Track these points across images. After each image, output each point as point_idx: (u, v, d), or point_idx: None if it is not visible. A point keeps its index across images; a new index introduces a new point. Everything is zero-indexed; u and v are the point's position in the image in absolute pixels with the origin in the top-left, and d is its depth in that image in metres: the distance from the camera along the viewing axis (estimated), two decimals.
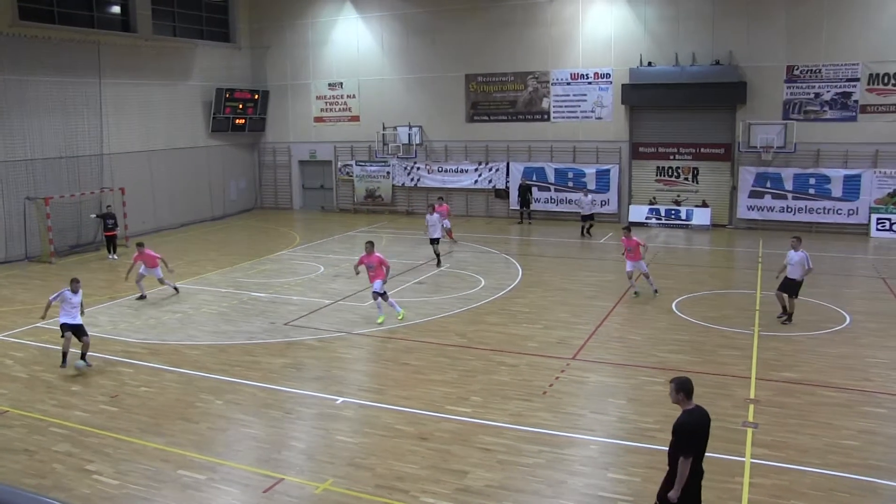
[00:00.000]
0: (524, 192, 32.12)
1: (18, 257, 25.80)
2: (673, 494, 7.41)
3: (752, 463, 10.08)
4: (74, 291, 14.77)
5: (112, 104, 29.39)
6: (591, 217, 29.08)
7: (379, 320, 17.18)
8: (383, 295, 17.27)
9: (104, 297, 20.39)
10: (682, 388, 7.55)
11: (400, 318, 17.26)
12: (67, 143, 27.49)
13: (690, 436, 7.37)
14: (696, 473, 7.52)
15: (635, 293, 19.30)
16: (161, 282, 20.22)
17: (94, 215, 26.93)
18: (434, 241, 23.61)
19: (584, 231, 28.80)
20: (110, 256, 26.15)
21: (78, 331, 14.61)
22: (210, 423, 11.81)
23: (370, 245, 17.58)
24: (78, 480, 9.98)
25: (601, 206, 31.34)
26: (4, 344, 16.30)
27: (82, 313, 14.95)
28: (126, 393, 13.20)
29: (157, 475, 10.08)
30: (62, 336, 14.57)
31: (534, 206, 32.39)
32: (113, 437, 11.30)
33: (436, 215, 23.89)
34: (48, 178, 26.65)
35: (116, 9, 30.85)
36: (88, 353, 14.55)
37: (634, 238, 19.69)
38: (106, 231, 26.38)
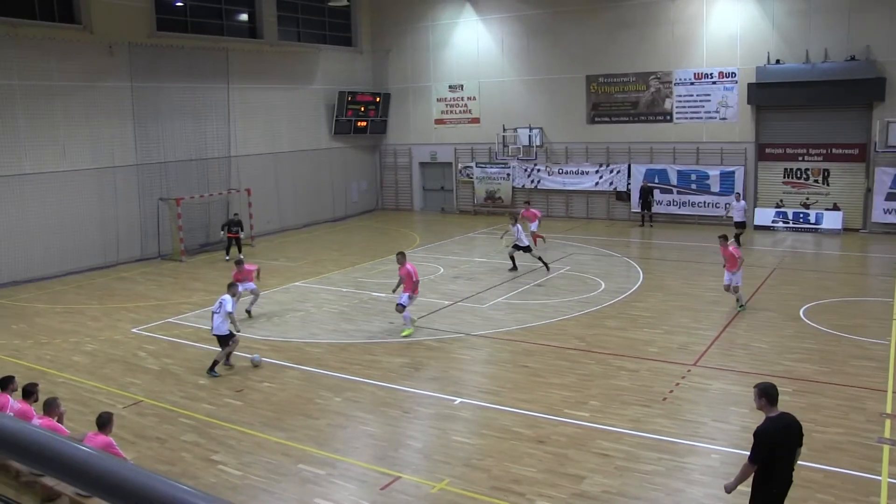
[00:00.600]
0: (645, 194, 31.52)
1: (152, 255, 27.14)
2: (728, 484, 7.64)
3: (890, 483, 9.51)
4: (233, 295, 14.95)
5: (239, 108, 30.53)
6: (743, 224, 26.44)
7: (403, 333, 16.66)
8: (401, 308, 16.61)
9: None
10: (765, 393, 7.50)
11: (404, 334, 16.58)
12: (197, 146, 28.75)
13: (767, 444, 7.28)
14: (782, 482, 7.39)
15: (741, 307, 18.17)
16: (252, 292, 18.89)
17: (223, 232, 26.87)
18: (525, 250, 22.51)
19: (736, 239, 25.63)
20: (227, 258, 26.01)
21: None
22: (329, 420, 12.08)
23: (401, 256, 17.07)
24: (204, 469, 10.40)
25: (726, 208, 30.36)
26: (139, 337, 17.17)
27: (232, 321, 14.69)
28: (249, 388, 13.67)
29: (277, 468, 10.38)
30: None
31: (656, 209, 31.73)
32: (237, 430, 11.72)
33: (518, 226, 22.63)
34: (179, 179, 27.94)
35: (244, 16, 32.04)
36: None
37: (731, 248, 18.41)
38: (230, 233, 26.65)
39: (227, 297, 14.76)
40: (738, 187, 30.24)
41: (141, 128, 26.79)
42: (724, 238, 18.79)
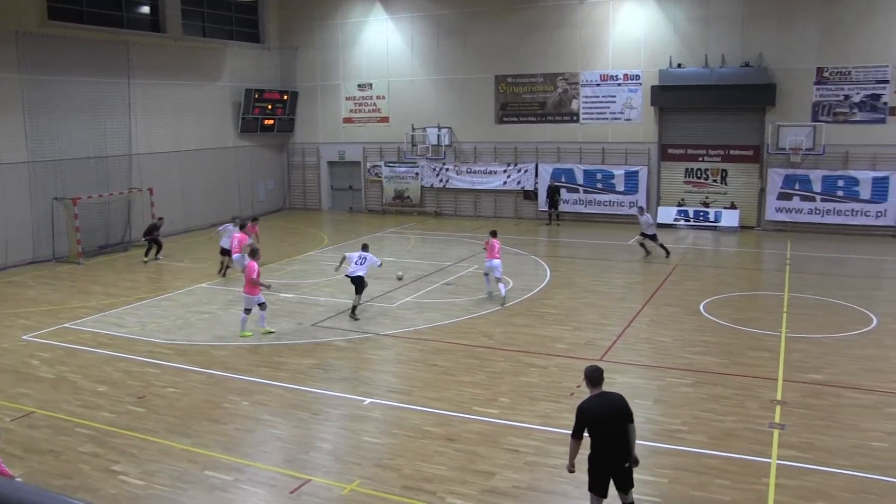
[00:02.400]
0: (553, 193, 32.06)
1: (46, 258, 25.99)
2: (567, 465, 8.29)
3: (778, 464, 10.01)
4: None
5: (141, 104, 29.67)
6: (654, 237, 24.87)
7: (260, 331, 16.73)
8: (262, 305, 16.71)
9: (131, 297, 20.58)
10: (586, 375, 8.28)
11: (245, 335, 16.61)
12: (96, 143, 27.72)
13: (583, 419, 7.97)
14: (599, 456, 7.97)
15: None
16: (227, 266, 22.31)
17: (145, 237, 26.41)
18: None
19: (647, 249, 25.03)
20: (146, 258, 25.69)
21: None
22: (237, 424, 11.90)
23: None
24: (104, 481, 10.07)
25: (630, 207, 31.19)
26: (31, 345, 16.43)
27: None
28: (153, 394, 13.32)
29: (183, 476, 10.16)
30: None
31: (563, 208, 32.31)
32: (139, 438, 11.39)
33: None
34: (76, 178, 26.86)
35: (146, 9, 31.14)
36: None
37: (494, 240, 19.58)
38: (151, 236, 25.97)
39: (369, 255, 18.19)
40: (642, 193, 31.09)
41: (32, 123, 25.56)
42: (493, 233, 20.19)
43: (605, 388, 12.88)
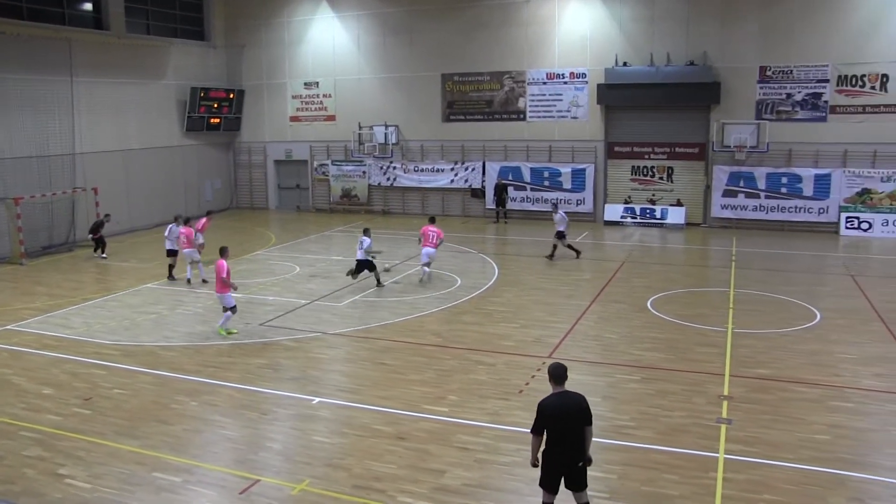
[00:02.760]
0: (500, 191, 32.21)
1: None
2: (531, 460, 8.26)
3: (725, 458, 10.19)
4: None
5: (84, 103, 29.11)
6: (563, 234, 24.61)
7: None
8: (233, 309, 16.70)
9: (77, 298, 20.19)
10: (549, 372, 8.20)
11: (231, 333, 16.61)
12: (38, 142, 27.12)
13: (542, 415, 7.96)
14: (554, 454, 8.00)
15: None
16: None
17: (91, 236, 26.27)
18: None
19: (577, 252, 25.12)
20: (96, 254, 25.99)
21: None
22: (185, 425, 11.75)
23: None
24: (49, 485, 9.87)
25: (577, 205, 31.54)
26: None
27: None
28: (100, 395, 13.09)
29: (131, 478, 10.00)
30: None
31: (510, 206, 32.48)
32: (86, 441, 11.19)
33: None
34: (18, 178, 26.25)
35: (88, 6, 30.53)
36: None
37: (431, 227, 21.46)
38: (96, 234, 25.96)
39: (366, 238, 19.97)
40: (589, 191, 31.41)
41: None
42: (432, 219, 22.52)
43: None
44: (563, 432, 7.91)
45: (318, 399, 12.67)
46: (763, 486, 9.45)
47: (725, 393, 12.58)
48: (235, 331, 16.69)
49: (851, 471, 9.87)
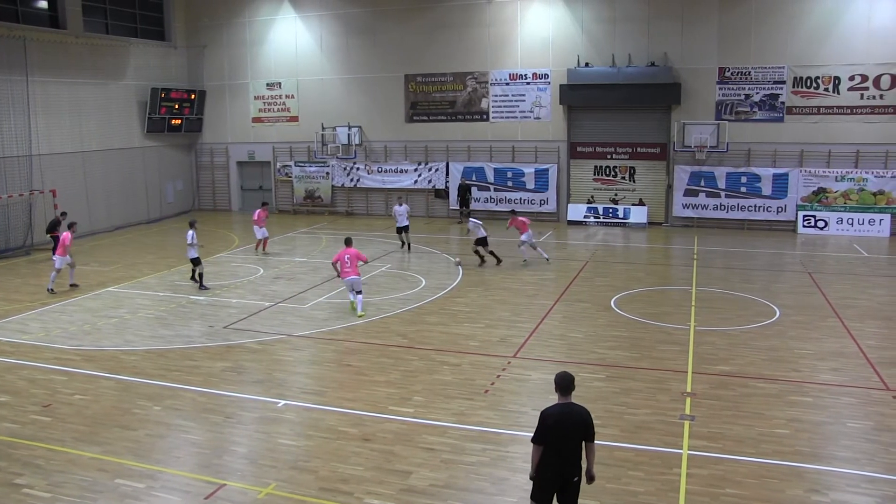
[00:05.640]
0: (463, 191, 32.27)
1: None
2: (531, 472, 7.86)
3: (689, 454, 10.31)
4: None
5: (41, 103, 28.64)
6: (406, 229, 26.18)
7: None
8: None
9: (35, 302, 19.88)
10: (555, 381, 7.88)
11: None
12: None
13: (543, 425, 7.63)
14: (549, 466, 7.66)
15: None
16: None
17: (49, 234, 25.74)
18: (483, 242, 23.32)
19: (405, 244, 26.27)
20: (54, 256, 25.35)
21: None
22: (148, 430, 11.60)
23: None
24: (6, 496, 9.66)
25: (540, 204, 31.73)
26: None
27: None
28: (59, 402, 12.87)
29: (92, 485, 9.85)
30: None
31: (474, 206, 32.55)
32: (45, 448, 10.99)
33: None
34: None
35: (43, 3, 30.01)
36: None
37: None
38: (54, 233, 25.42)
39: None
40: (552, 191, 31.63)
41: None
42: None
43: (519, 383, 13.19)
44: (562, 445, 7.62)
45: (283, 402, 12.60)
46: (726, 480, 9.58)
47: (688, 390, 12.73)
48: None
49: (809, 463, 10.09)
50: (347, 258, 17.84)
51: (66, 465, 10.45)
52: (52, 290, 20.89)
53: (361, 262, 18.32)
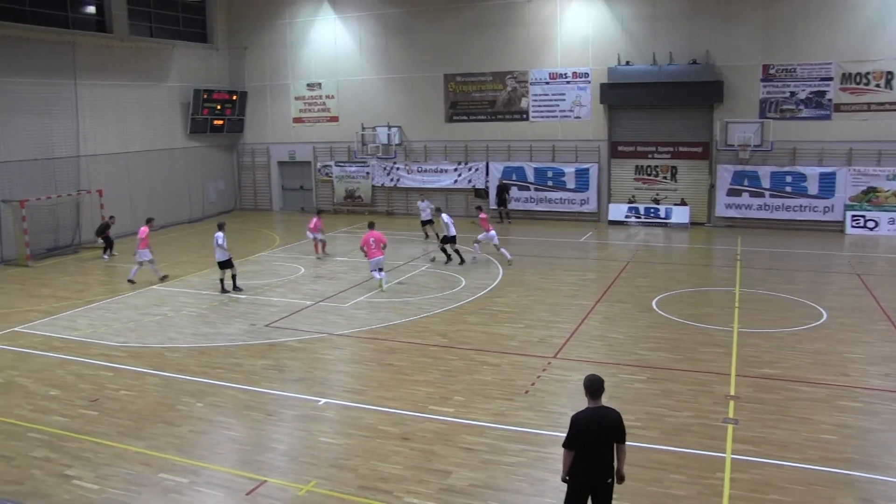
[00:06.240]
0: (501, 191, 32.20)
1: None
2: (562, 475, 7.84)
3: (732, 458, 10.16)
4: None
5: (88, 105, 29.18)
6: (429, 222, 28.35)
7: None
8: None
9: (82, 300, 20.23)
10: (584, 385, 7.80)
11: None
12: (43, 145, 27.24)
13: (575, 429, 7.63)
14: (582, 470, 7.64)
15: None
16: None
17: (98, 236, 26.84)
18: (452, 240, 23.81)
19: (427, 236, 28.38)
20: (104, 256, 26.33)
21: None
22: (191, 426, 11.76)
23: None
24: (57, 486, 9.90)
25: (581, 204, 31.57)
26: None
27: None
28: (106, 397, 13.11)
29: (137, 479, 10.01)
30: None
31: (514, 206, 32.48)
32: (93, 442, 11.21)
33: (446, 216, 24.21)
34: (24, 180, 26.36)
35: (91, 9, 30.59)
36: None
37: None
38: (104, 235, 26.55)
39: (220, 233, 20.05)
40: (593, 190, 31.40)
41: None
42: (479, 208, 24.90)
43: (559, 384, 13.12)
44: (594, 448, 7.61)
45: (323, 400, 12.68)
46: (770, 486, 9.42)
47: (731, 393, 12.55)
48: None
49: (860, 471, 9.81)
50: (373, 241, 20.27)
51: (112, 458, 10.64)
52: (162, 276, 22.12)
53: (384, 245, 20.51)
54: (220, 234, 20.43)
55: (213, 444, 11.20)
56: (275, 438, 11.33)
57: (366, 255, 20.42)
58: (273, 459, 10.61)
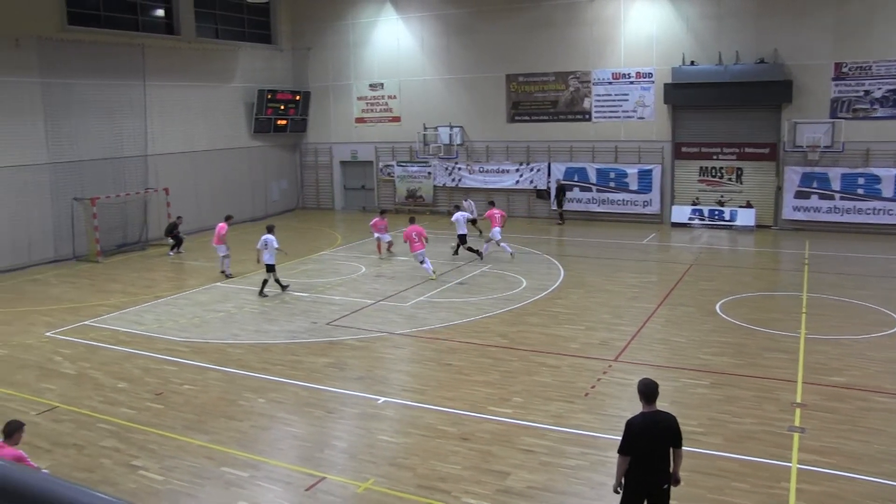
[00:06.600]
0: (558, 192, 31.99)
1: (66, 257, 26.27)
2: (614, 484, 7.77)
3: (798, 468, 9.88)
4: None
5: (156, 106, 29.83)
6: (474, 221, 28.03)
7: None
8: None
9: (149, 296, 20.68)
10: (638, 390, 7.78)
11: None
12: (113, 144, 27.98)
13: (629, 435, 7.53)
14: (638, 476, 7.52)
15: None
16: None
17: (168, 236, 27.58)
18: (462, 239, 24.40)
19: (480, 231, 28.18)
20: (170, 253, 27.04)
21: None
22: (253, 422, 11.92)
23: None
24: (124, 475, 10.14)
25: (643, 206, 31.19)
26: (54, 341, 16.64)
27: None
28: (170, 391, 13.38)
29: (200, 472, 10.19)
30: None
31: (575, 207, 32.22)
32: (158, 434, 11.46)
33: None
34: (94, 179, 27.12)
35: (160, 12, 31.32)
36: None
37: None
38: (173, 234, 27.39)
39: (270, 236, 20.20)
40: (656, 192, 30.98)
41: (52, 125, 25.85)
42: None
43: (620, 387, 12.95)
44: (650, 454, 7.50)
45: (383, 398, 12.73)
46: (840, 499, 9.12)
47: (798, 400, 12.21)
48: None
49: None
50: (415, 235, 21.53)
51: (176, 450, 10.86)
52: (228, 274, 22.71)
53: (425, 238, 21.86)
54: (272, 237, 20.46)
55: (274, 440, 11.33)
56: (334, 436, 11.42)
57: (411, 248, 21.80)
58: (332, 456, 10.69)
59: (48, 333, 17.24)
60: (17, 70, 24.85)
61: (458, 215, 24.30)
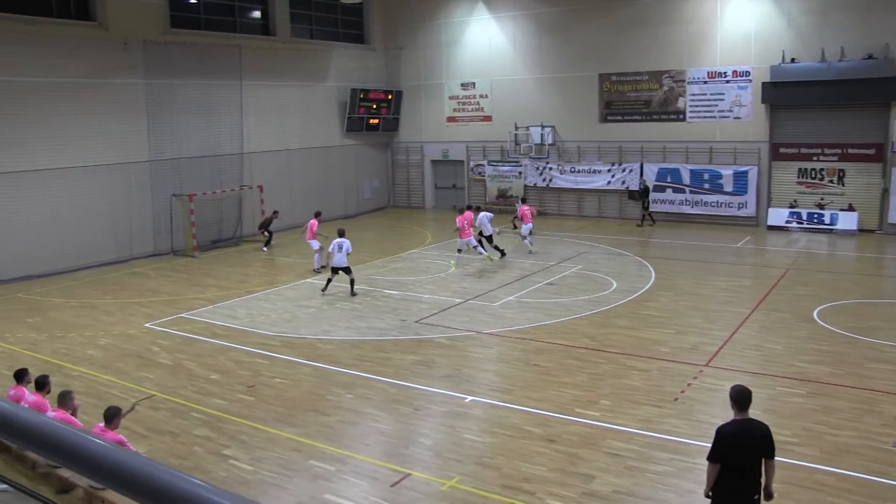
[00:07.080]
0: (643, 193, 31.45)
1: (165, 251, 27.24)
2: (705, 490, 7.58)
3: None
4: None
5: (252, 105, 30.57)
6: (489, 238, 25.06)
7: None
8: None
9: (241, 291, 21.21)
10: (731, 397, 7.55)
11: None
12: (210, 143, 28.82)
13: (720, 443, 7.33)
14: (727, 486, 7.30)
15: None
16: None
17: (263, 230, 28.42)
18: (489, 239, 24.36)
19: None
20: (264, 248, 27.76)
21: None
22: (341, 417, 12.10)
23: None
24: (215, 464, 10.44)
25: (738, 208, 30.40)
26: (152, 332, 17.26)
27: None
28: (261, 384, 13.70)
29: (289, 464, 10.40)
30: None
31: (668, 209, 31.61)
32: (248, 425, 11.75)
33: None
34: (192, 176, 28.00)
35: (257, 14, 32.10)
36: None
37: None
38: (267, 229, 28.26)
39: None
40: (752, 194, 30.13)
41: (154, 124, 26.86)
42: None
43: (711, 393, 12.65)
44: (741, 463, 7.29)
45: (470, 398, 12.75)
46: None
47: None
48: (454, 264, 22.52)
49: None
50: (466, 223, 22.69)
51: (266, 442, 11.11)
52: (318, 269, 23.20)
53: (471, 225, 22.90)
54: (347, 241, 20.27)
55: (361, 435, 11.48)
56: (421, 433, 11.50)
57: (459, 235, 22.86)
58: (418, 453, 10.76)
59: (147, 325, 17.90)
60: (124, 72, 25.90)
61: (482, 216, 24.20)
